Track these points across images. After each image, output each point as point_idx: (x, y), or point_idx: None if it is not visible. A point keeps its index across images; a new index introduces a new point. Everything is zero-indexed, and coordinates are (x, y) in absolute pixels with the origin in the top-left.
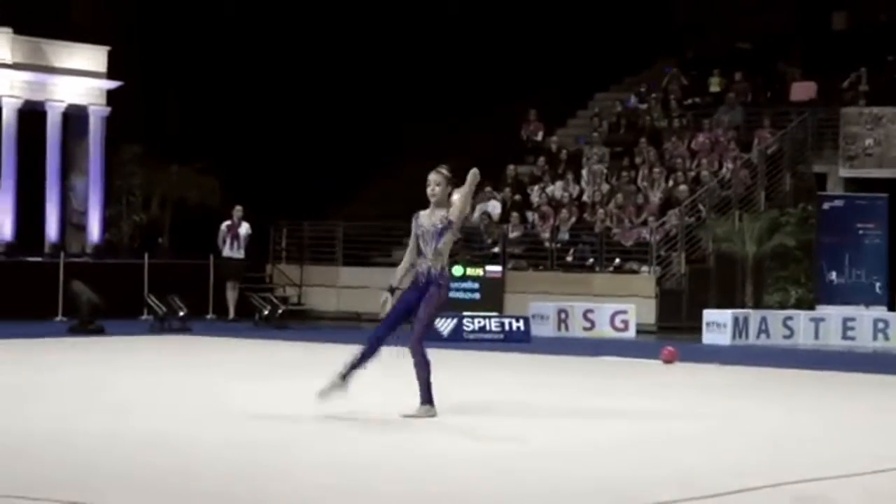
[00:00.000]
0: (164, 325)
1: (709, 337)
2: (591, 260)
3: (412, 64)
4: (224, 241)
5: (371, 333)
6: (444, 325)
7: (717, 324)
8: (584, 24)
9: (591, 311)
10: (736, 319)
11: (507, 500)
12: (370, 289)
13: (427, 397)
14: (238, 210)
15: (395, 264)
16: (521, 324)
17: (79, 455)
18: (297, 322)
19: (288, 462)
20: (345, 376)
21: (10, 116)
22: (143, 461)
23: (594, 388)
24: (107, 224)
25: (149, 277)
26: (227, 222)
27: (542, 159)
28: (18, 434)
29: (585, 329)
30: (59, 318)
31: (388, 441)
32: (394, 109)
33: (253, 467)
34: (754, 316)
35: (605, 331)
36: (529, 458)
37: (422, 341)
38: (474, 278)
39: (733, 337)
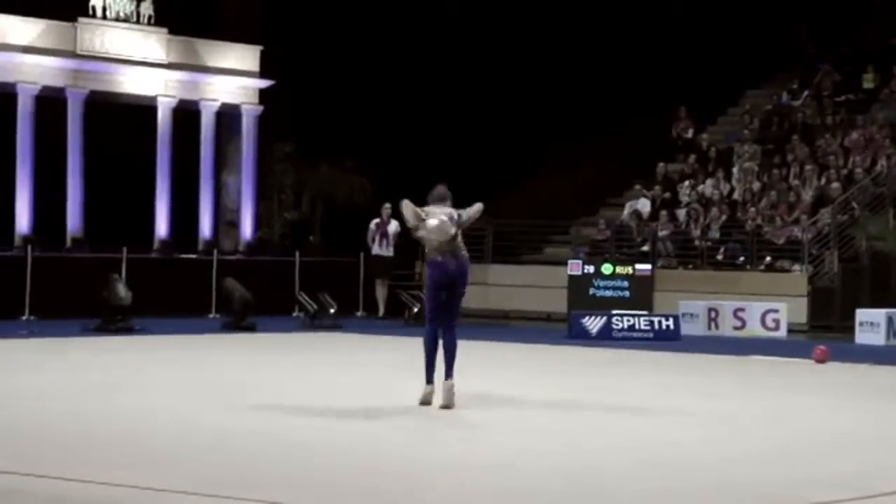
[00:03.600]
0: (314, 322)
1: (862, 337)
2: (742, 258)
3: (563, 61)
4: (373, 239)
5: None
6: (593, 324)
7: (871, 323)
8: (736, 20)
9: (741, 309)
10: (890, 319)
11: None
12: (520, 287)
13: (428, 377)
14: (387, 208)
15: (546, 262)
16: (671, 322)
17: (238, 454)
18: None
19: (441, 461)
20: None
21: (164, 116)
22: (298, 460)
23: (746, 387)
24: (259, 222)
25: (300, 275)
26: (377, 220)
27: (692, 157)
28: (177, 431)
29: (736, 328)
30: (212, 314)
31: (541, 435)
32: (544, 106)
33: (415, 465)
34: None
35: (755, 330)
36: (686, 461)
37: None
38: (624, 276)
39: (887, 337)
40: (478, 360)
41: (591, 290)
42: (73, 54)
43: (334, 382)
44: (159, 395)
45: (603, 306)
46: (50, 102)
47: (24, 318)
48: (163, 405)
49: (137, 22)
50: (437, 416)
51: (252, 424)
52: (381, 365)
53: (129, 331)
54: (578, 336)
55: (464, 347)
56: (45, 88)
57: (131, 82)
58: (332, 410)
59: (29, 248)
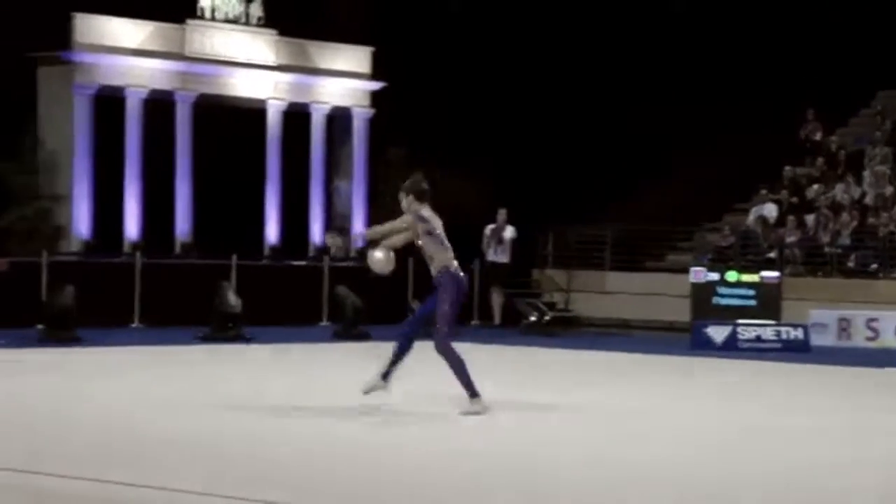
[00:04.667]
0: (427, 331)
1: None
2: (875, 266)
3: (686, 62)
4: (489, 245)
5: (400, 332)
6: (718, 334)
7: None
8: (867, 19)
9: (874, 319)
10: None
11: None
12: (641, 295)
13: (471, 391)
14: (502, 213)
15: (668, 269)
16: (800, 332)
17: (323, 461)
18: (564, 329)
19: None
20: (385, 375)
21: (274, 119)
22: (361, 468)
23: (878, 401)
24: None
25: (413, 283)
26: (492, 225)
27: (820, 160)
28: (281, 438)
29: (868, 339)
30: (323, 322)
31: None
32: (665, 109)
33: (477, 478)
34: None
35: (889, 340)
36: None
37: (445, 340)
38: (750, 285)
39: None
40: (595, 370)
41: (715, 299)
42: (181, 57)
43: (432, 392)
44: (250, 401)
45: (727, 315)
46: (158, 106)
47: (133, 325)
48: (244, 411)
49: (246, 23)
50: (498, 423)
51: (329, 430)
52: (493, 376)
53: (239, 339)
54: (701, 346)
55: (582, 358)
56: (154, 91)
57: (240, 85)
58: (413, 417)
59: (138, 255)
